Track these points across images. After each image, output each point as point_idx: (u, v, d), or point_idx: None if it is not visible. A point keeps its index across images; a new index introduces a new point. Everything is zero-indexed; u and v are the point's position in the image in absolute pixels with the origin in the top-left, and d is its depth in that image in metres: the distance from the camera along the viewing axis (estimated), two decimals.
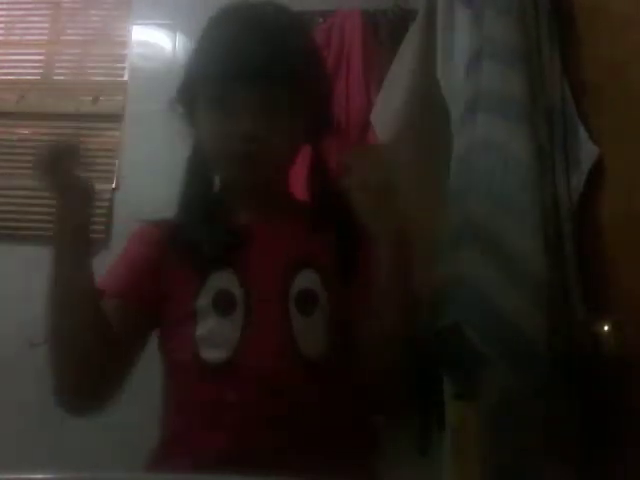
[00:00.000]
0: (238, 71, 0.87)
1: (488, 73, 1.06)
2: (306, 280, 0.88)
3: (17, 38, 2.48)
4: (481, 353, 0.94)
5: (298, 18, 1.06)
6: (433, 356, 1.08)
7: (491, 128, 1.04)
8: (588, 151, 0.98)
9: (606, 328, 0.90)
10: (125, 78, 2.38)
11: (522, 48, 1.05)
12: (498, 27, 1.07)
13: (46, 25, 2.48)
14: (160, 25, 2.40)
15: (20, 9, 2.51)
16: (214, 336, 0.86)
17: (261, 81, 0.86)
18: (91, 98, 2.37)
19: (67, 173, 0.81)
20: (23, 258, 2.17)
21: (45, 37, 2.47)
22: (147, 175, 2.20)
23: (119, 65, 2.40)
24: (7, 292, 2.10)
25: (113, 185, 2.26)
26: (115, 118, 2.33)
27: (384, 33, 2.07)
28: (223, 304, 0.86)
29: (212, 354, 0.85)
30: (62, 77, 2.45)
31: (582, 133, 1.00)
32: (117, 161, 2.29)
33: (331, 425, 0.85)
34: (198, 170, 0.98)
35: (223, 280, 0.88)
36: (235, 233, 0.91)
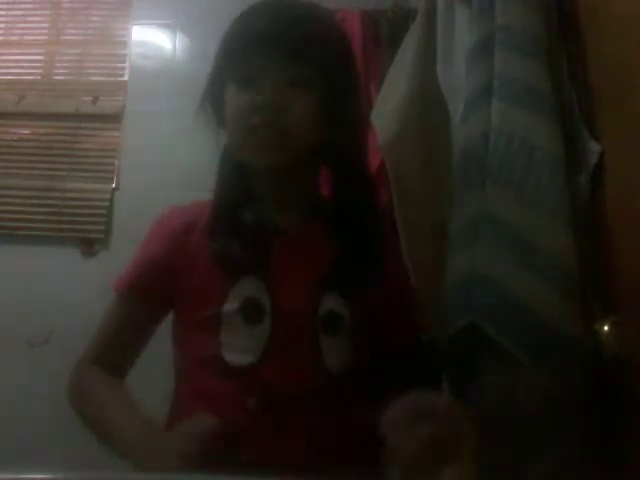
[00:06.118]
0: (258, 45, 0.88)
1: (505, 61, 1.04)
2: (332, 302, 0.88)
3: (17, 38, 2.48)
4: (504, 353, 0.93)
5: (328, 14, 1.03)
6: (442, 359, 1.08)
7: (508, 117, 1.02)
8: (591, 150, 0.98)
9: (606, 328, 0.90)
10: (125, 78, 2.38)
11: (542, 38, 1.04)
12: (515, 16, 1.06)
13: (46, 25, 2.49)
14: (160, 25, 2.40)
15: (20, 9, 2.51)
16: (239, 341, 0.86)
17: (281, 55, 0.86)
18: (91, 98, 2.37)
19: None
20: (23, 258, 2.18)
21: (45, 37, 2.48)
22: (147, 175, 2.20)
23: (119, 65, 2.40)
24: (7, 292, 2.10)
25: (113, 185, 2.27)
26: (115, 118, 2.34)
27: (384, 33, 2.07)
28: (251, 313, 0.86)
29: (235, 357, 0.85)
30: (62, 77, 2.46)
31: (584, 132, 1.00)
32: (117, 161, 2.29)
33: (347, 438, 0.85)
34: (231, 171, 0.96)
35: (251, 287, 0.87)
36: (267, 239, 0.90)
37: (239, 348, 0.86)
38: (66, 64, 2.47)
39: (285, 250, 0.89)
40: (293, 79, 0.87)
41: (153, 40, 2.39)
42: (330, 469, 0.78)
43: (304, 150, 0.90)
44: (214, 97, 0.94)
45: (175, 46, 2.36)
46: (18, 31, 2.49)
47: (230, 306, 0.86)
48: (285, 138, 0.87)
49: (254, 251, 0.88)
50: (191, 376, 0.91)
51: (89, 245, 2.21)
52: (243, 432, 0.82)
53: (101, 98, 2.37)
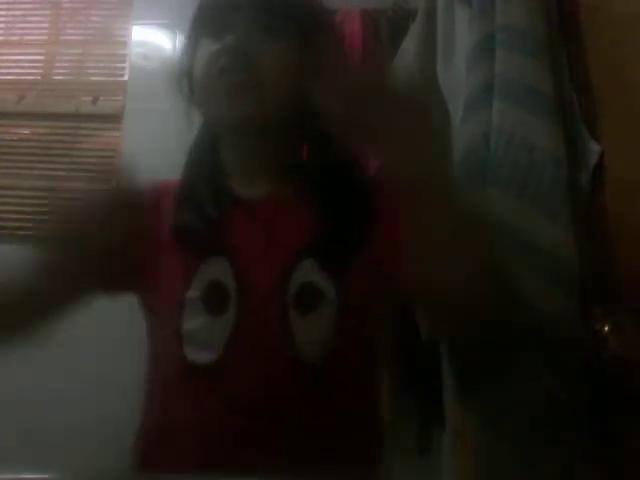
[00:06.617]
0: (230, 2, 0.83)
1: (505, 61, 1.04)
2: (308, 272, 0.78)
3: (17, 38, 2.48)
4: (505, 353, 0.93)
5: None
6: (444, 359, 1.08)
7: (509, 117, 1.02)
8: (591, 150, 0.98)
9: (606, 328, 0.90)
10: (125, 78, 2.38)
11: (543, 38, 1.04)
12: (515, 16, 1.06)
13: (46, 25, 2.49)
14: (160, 25, 2.40)
15: (20, 9, 2.51)
16: (202, 334, 0.77)
17: (255, 4, 0.82)
18: (91, 98, 2.38)
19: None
20: (23, 258, 2.18)
21: (45, 37, 2.48)
22: (147, 175, 2.20)
23: (119, 65, 2.40)
24: None
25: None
26: (115, 118, 2.34)
27: (384, 33, 2.07)
28: (214, 298, 0.78)
29: (198, 354, 0.77)
30: (62, 77, 2.46)
31: (584, 132, 1.00)
32: (117, 161, 2.29)
33: (331, 434, 0.77)
34: (204, 144, 0.90)
35: (216, 269, 0.78)
36: (234, 215, 0.82)
37: (202, 343, 0.77)
38: (66, 64, 2.48)
39: (255, 224, 0.82)
40: (266, 27, 0.81)
41: (153, 40, 2.39)
42: (310, 472, 0.70)
43: (277, 106, 0.81)
44: (187, 67, 0.88)
45: (175, 46, 2.36)
46: (18, 31, 2.49)
47: (193, 293, 0.78)
48: (255, 86, 0.79)
49: (218, 230, 0.81)
50: (157, 374, 0.84)
51: None
52: (209, 441, 0.75)
53: (101, 98, 2.37)
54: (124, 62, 2.40)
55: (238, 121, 0.82)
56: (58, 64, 2.46)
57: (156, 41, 2.39)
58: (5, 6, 2.52)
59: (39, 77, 2.45)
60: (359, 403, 0.82)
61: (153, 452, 0.80)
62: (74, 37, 2.48)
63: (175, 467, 0.74)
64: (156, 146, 2.22)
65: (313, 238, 0.80)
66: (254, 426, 0.74)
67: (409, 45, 1.47)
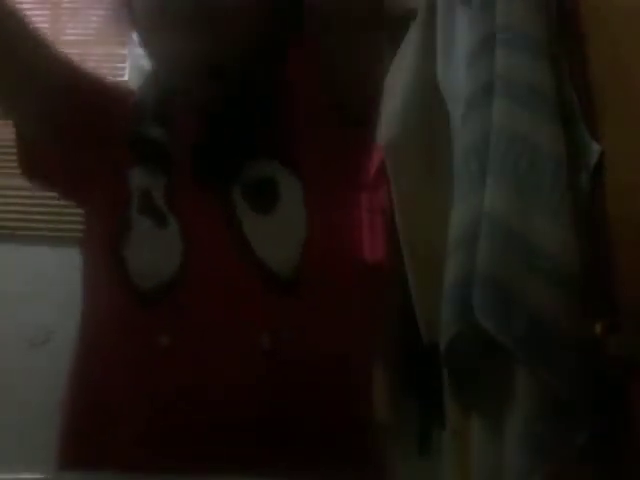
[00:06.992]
0: None
1: (506, 61, 1.04)
2: (258, 167, 0.66)
3: None
4: (505, 353, 0.93)
5: None
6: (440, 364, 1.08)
7: (510, 116, 1.02)
8: (591, 150, 0.98)
9: (606, 328, 0.90)
10: (125, 78, 2.38)
11: (543, 37, 1.04)
12: (516, 15, 1.06)
13: (46, 25, 2.48)
14: None
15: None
16: (143, 254, 0.66)
17: None
18: None
19: None
20: (23, 258, 2.18)
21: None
22: None
23: (119, 65, 2.40)
24: (7, 292, 2.11)
25: None
26: None
27: (384, 33, 2.08)
28: (150, 212, 0.66)
29: (142, 278, 0.64)
30: None
31: (585, 132, 1.00)
32: None
33: (317, 377, 0.62)
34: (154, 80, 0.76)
35: (147, 179, 0.68)
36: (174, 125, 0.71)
37: (145, 265, 0.65)
38: None
39: (192, 129, 0.69)
40: None
41: None
42: (279, 430, 0.58)
43: (234, 43, 0.68)
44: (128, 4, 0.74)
45: None
46: None
47: (129, 210, 0.67)
48: (208, 21, 0.66)
49: (161, 144, 0.70)
50: (94, 317, 0.71)
51: None
52: (154, 383, 0.62)
53: None
54: (124, 62, 2.40)
55: (188, 59, 0.68)
56: None
57: None
58: None
59: None
60: (346, 347, 0.65)
61: (92, 403, 0.69)
62: (74, 37, 2.48)
63: (119, 425, 0.63)
64: None
65: (254, 134, 0.68)
66: (208, 366, 0.61)
67: (409, 45, 1.47)
